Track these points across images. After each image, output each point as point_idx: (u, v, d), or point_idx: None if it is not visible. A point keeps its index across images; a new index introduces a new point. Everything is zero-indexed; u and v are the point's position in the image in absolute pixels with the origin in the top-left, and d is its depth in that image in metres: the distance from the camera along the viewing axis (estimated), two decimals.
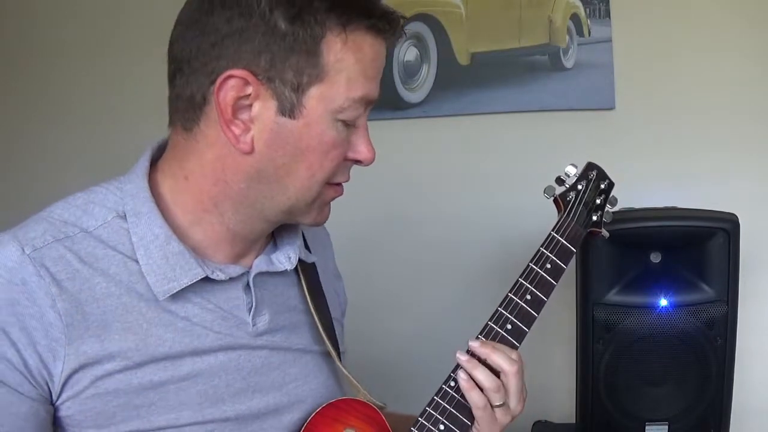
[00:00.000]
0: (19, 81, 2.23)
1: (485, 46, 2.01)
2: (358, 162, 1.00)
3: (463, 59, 2.01)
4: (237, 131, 0.93)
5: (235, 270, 0.99)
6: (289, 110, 0.92)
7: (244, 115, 0.93)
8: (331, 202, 1.03)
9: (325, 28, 0.91)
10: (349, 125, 0.96)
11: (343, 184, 1.02)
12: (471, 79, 2.01)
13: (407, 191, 2.09)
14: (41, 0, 2.21)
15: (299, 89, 0.92)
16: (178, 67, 0.94)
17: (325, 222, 1.04)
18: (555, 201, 1.17)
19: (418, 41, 2.02)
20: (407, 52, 2.02)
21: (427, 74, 2.03)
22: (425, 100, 2.04)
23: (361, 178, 2.07)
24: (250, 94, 0.92)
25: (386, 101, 2.04)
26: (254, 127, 0.93)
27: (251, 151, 0.94)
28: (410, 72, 2.03)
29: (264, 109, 0.92)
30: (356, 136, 0.98)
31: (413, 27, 2.01)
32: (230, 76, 0.90)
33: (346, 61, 0.92)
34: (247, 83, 0.91)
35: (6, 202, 2.11)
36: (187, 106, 0.94)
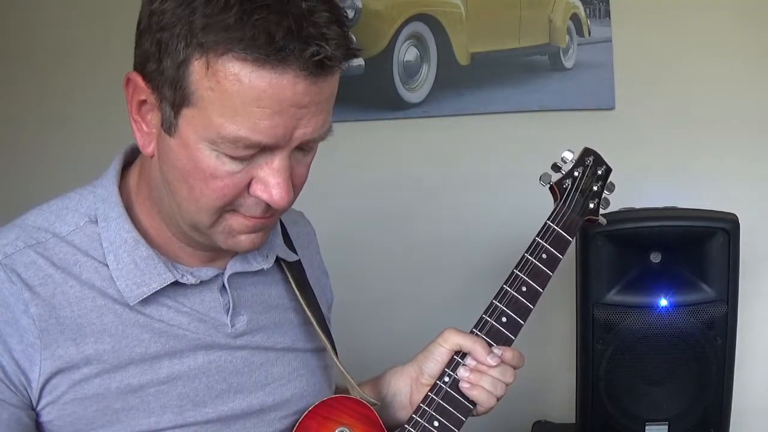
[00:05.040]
0: (19, 82, 2.23)
1: (485, 46, 2.01)
2: (263, 200, 0.89)
3: (463, 59, 2.01)
4: (141, 131, 0.90)
5: (206, 273, 0.98)
6: (167, 126, 0.86)
7: (148, 117, 0.89)
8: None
9: (192, 46, 0.81)
10: (241, 160, 0.86)
11: (260, 217, 0.91)
12: (471, 79, 2.01)
13: (407, 191, 2.09)
14: (42, 1, 2.21)
15: (174, 106, 0.85)
16: None
17: (248, 250, 0.96)
18: (551, 188, 1.16)
19: (418, 41, 2.02)
20: (407, 52, 2.02)
21: (427, 74, 2.03)
22: (425, 100, 2.04)
23: (361, 177, 2.08)
24: (146, 100, 0.88)
25: (386, 101, 2.04)
26: (155, 132, 0.89)
27: (152, 155, 0.91)
28: (410, 72, 2.03)
29: (155, 118, 0.88)
30: (264, 174, 0.87)
31: (413, 27, 2.01)
32: (128, 78, 0.88)
33: (219, 92, 0.81)
34: (140, 88, 0.87)
35: (6, 202, 2.11)
36: None
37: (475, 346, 1.07)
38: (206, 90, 0.82)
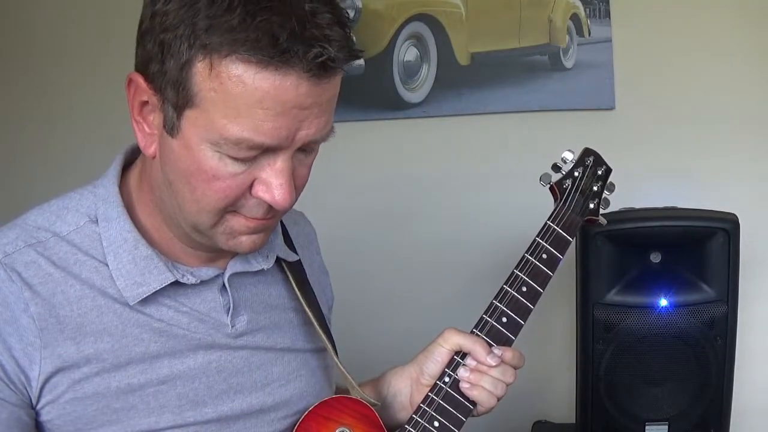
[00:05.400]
0: (19, 81, 2.24)
1: (485, 46, 2.01)
2: (266, 201, 0.89)
3: (463, 59, 2.01)
4: (143, 132, 0.90)
5: (207, 273, 0.98)
6: (170, 127, 0.86)
7: (150, 118, 0.89)
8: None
9: (195, 48, 0.81)
10: (243, 161, 0.86)
11: (262, 218, 0.91)
12: (471, 79, 2.01)
13: (407, 191, 2.09)
14: (42, 1, 2.21)
15: (177, 108, 0.85)
16: None
17: (249, 251, 0.95)
18: (551, 189, 1.16)
19: (418, 41, 2.02)
20: (407, 52, 2.02)
21: (427, 74, 2.03)
22: (425, 100, 2.04)
23: (361, 177, 2.08)
24: (148, 101, 0.88)
25: (386, 101, 2.04)
26: (157, 134, 0.89)
27: (155, 156, 0.91)
28: (410, 72, 2.03)
29: (157, 119, 0.88)
30: (267, 175, 0.87)
31: (413, 27, 2.01)
32: (131, 79, 0.88)
33: (222, 94, 0.81)
34: (142, 89, 0.87)
35: (6, 202, 2.11)
36: None
37: (475, 346, 1.07)
38: (209, 91, 0.82)
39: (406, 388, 1.12)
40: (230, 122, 0.83)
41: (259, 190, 0.88)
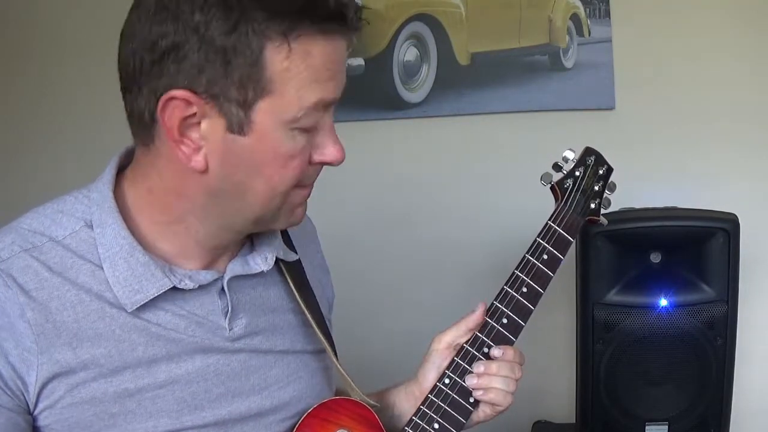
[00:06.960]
0: (19, 81, 2.23)
1: (485, 46, 2.00)
2: (327, 163, 0.95)
3: (463, 59, 2.01)
4: (187, 150, 0.89)
5: (206, 277, 0.97)
6: (238, 127, 0.88)
7: (194, 134, 0.89)
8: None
9: (265, 38, 0.85)
10: (309, 130, 0.91)
11: (311, 185, 0.98)
12: (471, 79, 2.01)
13: (407, 191, 2.09)
14: (42, 1, 2.21)
15: (246, 104, 0.87)
16: (124, 84, 0.91)
17: (299, 222, 1.00)
18: (552, 188, 1.15)
19: (418, 41, 2.02)
20: (407, 52, 2.02)
21: (427, 74, 2.03)
22: (425, 100, 2.04)
23: (361, 177, 2.08)
24: (195, 113, 0.87)
25: (386, 101, 2.04)
26: (205, 146, 0.89)
27: (205, 170, 0.90)
28: (410, 72, 2.03)
29: (212, 128, 0.88)
30: (321, 138, 0.93)
31: (413, 27, 2.01)
32: (171, 98, 0.86)
33: (294, 70, 0.87)
34: (189, 103, 0.86)
35: (6, 202, 2.11)
36: (139, 124, 0.92)
37: (466, 326, 1.09)
38: (282, 72, 0.86)
39: (411, 409, 1.11)
40: (306, 91, 0.88)
41: (320, 155, 0.94)
